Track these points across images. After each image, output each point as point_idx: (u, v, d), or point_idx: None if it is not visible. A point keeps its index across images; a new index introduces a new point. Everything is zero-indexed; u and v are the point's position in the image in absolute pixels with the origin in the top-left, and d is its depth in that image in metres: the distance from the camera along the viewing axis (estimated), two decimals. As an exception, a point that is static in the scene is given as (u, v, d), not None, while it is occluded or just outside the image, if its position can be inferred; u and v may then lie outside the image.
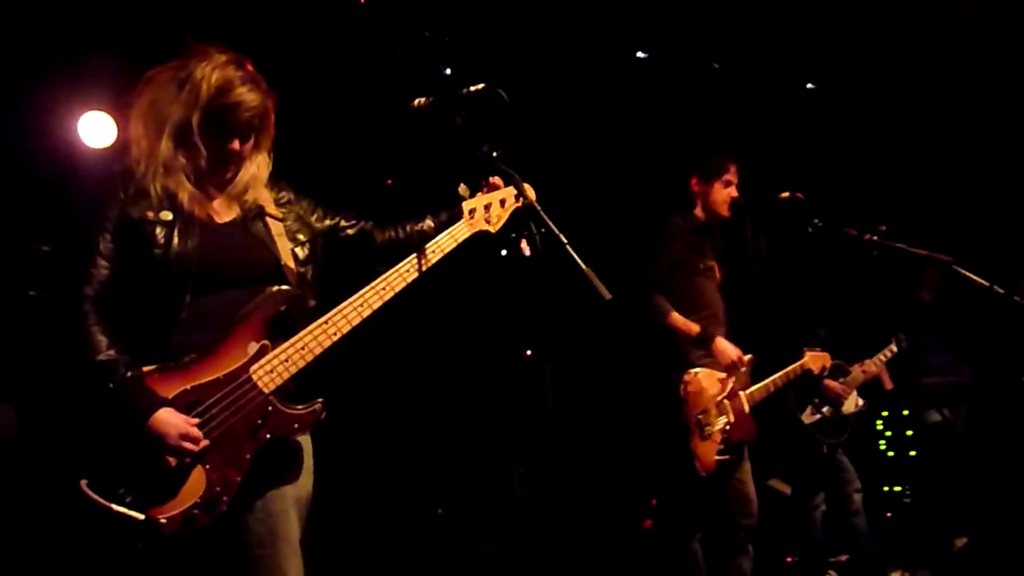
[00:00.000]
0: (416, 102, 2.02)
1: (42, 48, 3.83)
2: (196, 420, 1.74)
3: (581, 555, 4.74)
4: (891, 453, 5.75)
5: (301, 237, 2.05)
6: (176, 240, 1.85)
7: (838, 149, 5.92)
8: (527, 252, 1.98)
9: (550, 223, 1.71)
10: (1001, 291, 3.15)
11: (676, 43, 5.27)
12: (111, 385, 1.73)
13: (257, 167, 1.99)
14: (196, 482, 1.73)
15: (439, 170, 5.11)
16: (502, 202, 2.18)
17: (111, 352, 1.77)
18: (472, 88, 1.92)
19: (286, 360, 1.83)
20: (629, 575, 4.71)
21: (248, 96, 1.89)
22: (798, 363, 3.63)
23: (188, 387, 1.77)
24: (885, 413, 5.79)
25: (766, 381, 3.47)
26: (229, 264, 1.91)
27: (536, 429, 5.15)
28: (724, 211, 3.51)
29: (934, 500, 5.22)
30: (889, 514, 5.55)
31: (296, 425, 1.83)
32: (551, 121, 5.06)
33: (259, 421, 1.79)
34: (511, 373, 5.44)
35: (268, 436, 1.79)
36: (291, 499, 1.90)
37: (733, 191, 3.50)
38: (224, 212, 1.98)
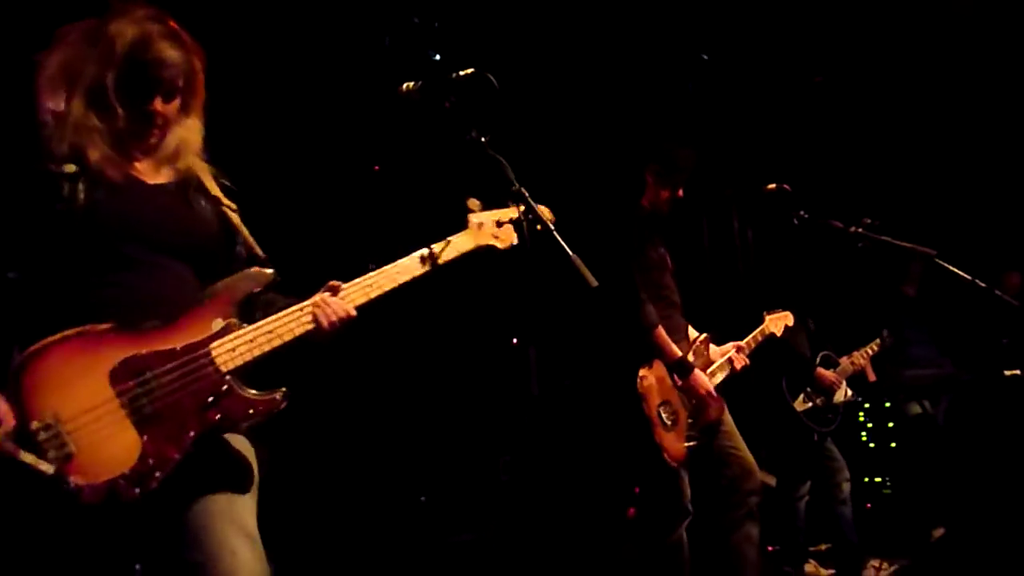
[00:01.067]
0: (405, 86, 2.00)
1: (47, 35, 3.78)
2: (131, 385, 1.62)
3: (565, 543, 4.76)
4: (872, 444, 5.82)
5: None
6: (82, 194, 1.69)
7: (825, 141, 5.95)
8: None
9: (537, 209, 1.71)
10: (983, 285, 3.19)
11: (666, 34, 5.27)
12: None
13: (187, 131, 1.83)
14: (127, 452, 1.58)
15: (426, 156, 5.12)
16: (513, 221, 2.06)
17: None
18: (461, 73, 1.91)
19: (251, 341, 1.70)
20: (613, 564, 4.74)
21: (168, 52, 1.75)
22: (758, 329, 3.55)
23: (141, 352, 1.64)
24: (867, 405, 5.85)
25: (720, 361, 3.39)
26: (159, 226, 1.76)
27: (521, 417, 5.16)
28: (667, 208, 3.38)
29: (913, 491, 5.28)
30: (869, 504, 5.61)
31: (251, 411, 1.68)
32: (538, 109, 5.04)
33: (210, 399, 1.65)
34: (496, 361, 5.44)
35: (218, 417, 1.66)
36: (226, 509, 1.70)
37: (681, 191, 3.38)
38: (151, 174, 1.82)
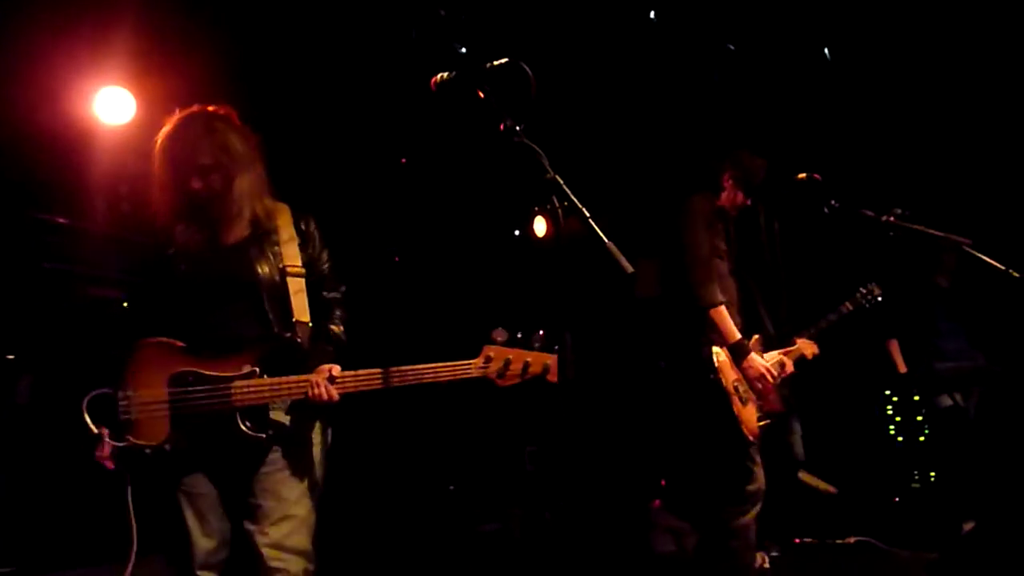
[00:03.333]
0: (438, 77, 2.01)
1: (59, 22, 3.84)
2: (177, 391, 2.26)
3: (590, 533, 4.77)
4: (900, 438, 5.77)
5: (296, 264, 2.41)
6: (173, 266, 2.36)
7: (855, 130, 5.88)
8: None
9: (573, 197, 1.71)
10: (1017, 275, 3.14)
11: (692, 24, 5.23)
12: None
13: (243, 186, 2.35)
14: (158, 434, 2.26)
15: (457, 147, 5.13)
16: (526, 365, 2.27)
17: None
18: (495, 62, 1.91)
19: (259, 390, 2.25)
20: (636, 555, 4.74)
21: (195, 140, 2.31)
22: (793, 347, 3.62)
23: (192, 369, 2.28)
24: (896, 398, 5.80)
25: (775, 359, 3.45)
26: (224, 282, 2.34)
27: (547, 408, 5.17)
28: (735, 213, 3.58)
29: (944, 485, 5.23)
30: (897, 498, 5.57)
31: (241, 437, 2.25)
32: (565, 101, 5.04)
33: (217, 415, 2.25)
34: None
35: (219, 428, 2.25)
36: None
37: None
38: (230, 233, 2.39)
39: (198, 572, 2.30)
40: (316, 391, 2.25)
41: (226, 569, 2.35)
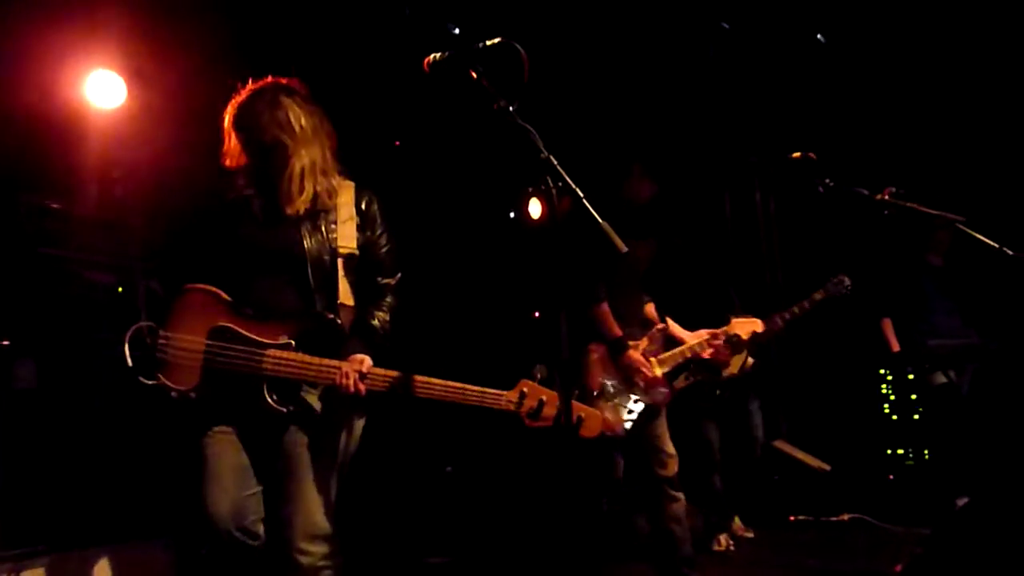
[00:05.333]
0: (431, 57, 2.00)
1: (49, 4, 3.80)
2: (213, 344, 2.26)
3: (586, 515, 4.80)
4: (895, 416, 5.81)
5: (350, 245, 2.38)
6: (236, 224, 2.35)
7: (850, 108, 5.87)
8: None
9: (567, 177, 1.71)
10: (1011, 253, 3.14)
11: (687, 3, 5.20)
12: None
13: (304, 159, 2.34)
14: (189, 381, 2.28)
15: (449, 129, 5.11)
16: (559, 411, 2.18)
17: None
18: (488, 42, 1.90)
19: (289, 364, 2.23)
20: (637, 536, 4.78)
21: (258, 115, 2.34)
22: (721, 329, 3.64)
23: (231, 326, 2.29)
24: (890, 376, 5.83)
25: (681, 348, 3.49)
26: (277, 252, 2.32)
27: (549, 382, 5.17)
28: (645, 200, 3.48)
29: (937, 462, 5.27)
30: (892, 476, 5.62)
31: (263, 406, 2.24)
32: (559, 81, 5.01)
33: (246, 378, 2.25)
34: (521, 331, 5.45)
35: (245, 392, 2.25)
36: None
37: None
38: (290, 204, 2.35)
39: (218, 535, 2.21)
40: (343, 380, 2.22)
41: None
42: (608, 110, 5.39)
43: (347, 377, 2.21)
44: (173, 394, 2.24)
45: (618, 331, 3.25)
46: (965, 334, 4.84)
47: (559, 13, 4.91)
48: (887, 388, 5.83)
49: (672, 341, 3.54)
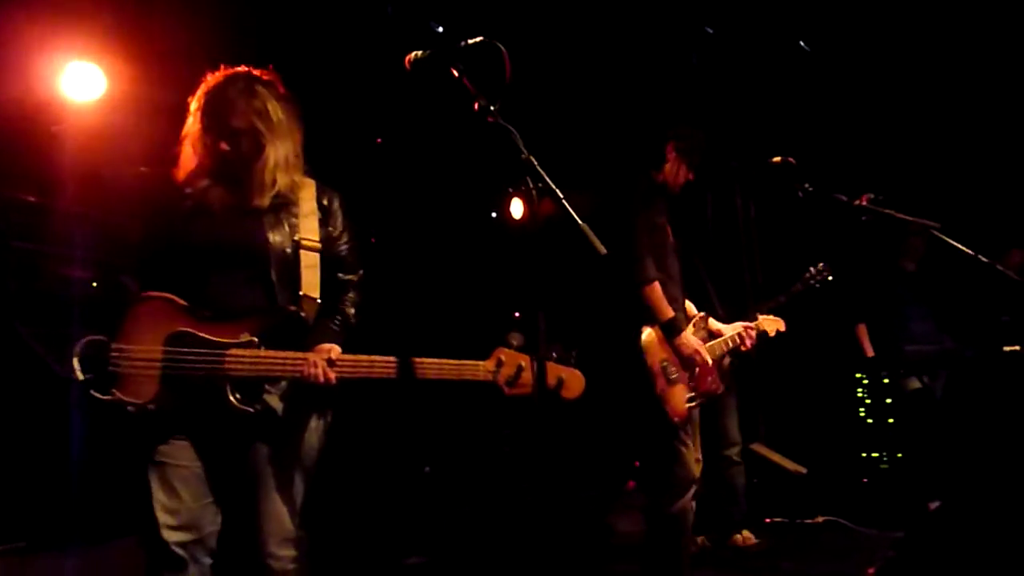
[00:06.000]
0: (413, 55, 1.99)
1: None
2: (171, 351, 2.16)
3: (566, 516, 4.81)
4: (870, 420, 5.86)
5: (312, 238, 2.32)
6: (191, 219, 2.26)
7: (830, 114, 5.92)
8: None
9: (547, 178, 1.71)
10: (985, 260, 3.18)
11: (670, 6, 5.22)
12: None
13: (274, 153, 2.28)
14: (146, 393, 2.16)
15: (432, 126, 5.09)
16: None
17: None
18: (470, 41, 1.90)
19: (254, 361, 2.15)
20: (612, 536, 4.79)
21: (234, 102, 2.25)
22: (753, 323, 3.54)
23: (189, 330, 2.19)
24: (865, 381, 5.89)
25: (723, 337, 3.39)
26: (236, 247, 2.24)
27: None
28: (680, 188, 3.45)
29: (911, 466, 5.33)
30: (866, 479, 5.67)
31: (228, 407, 2.15)
32: (541, 82, 5.01)
33: (207, 381, 2.16)
34: (501, 332, 5.43)
35: (208, 396, 2.16)
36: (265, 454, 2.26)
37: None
38: (254, 197, 2.28)
39: (166, 547, 2.14)
40: (312, 370, 2.16)
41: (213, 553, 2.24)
42: (591, 114, 5.40)
43: (315, 366, 2.16)
44: (130, 408, 2.13)
45: (670, 311, 3.14)
46: (939, 340, 4.90)
47: (543, 15, 4.91)
48: (863, 392, 5.89)
49: (708, 331, 3.45)
